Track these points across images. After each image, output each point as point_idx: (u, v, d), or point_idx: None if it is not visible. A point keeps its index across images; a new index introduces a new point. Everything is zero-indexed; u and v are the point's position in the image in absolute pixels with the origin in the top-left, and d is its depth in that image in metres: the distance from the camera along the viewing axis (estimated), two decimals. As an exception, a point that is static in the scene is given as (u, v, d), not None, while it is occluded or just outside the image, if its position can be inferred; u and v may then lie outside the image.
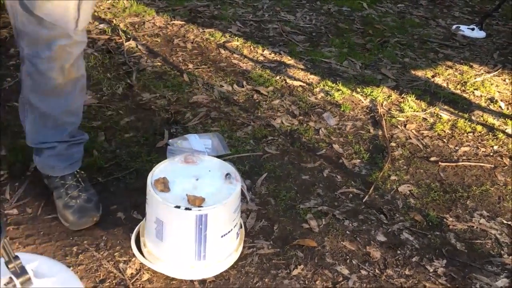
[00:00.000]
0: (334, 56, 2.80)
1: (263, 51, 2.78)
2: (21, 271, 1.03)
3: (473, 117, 2.39)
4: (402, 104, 2.43)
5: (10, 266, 1.02)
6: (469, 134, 2.27)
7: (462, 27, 3.26)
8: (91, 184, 1.68)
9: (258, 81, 2.49)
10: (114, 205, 1.69)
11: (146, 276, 1.47)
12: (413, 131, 2.25)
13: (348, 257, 1.61)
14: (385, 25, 3.24)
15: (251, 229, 1.67)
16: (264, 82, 2.49)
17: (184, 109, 2.23)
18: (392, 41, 3.03)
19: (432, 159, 2.08)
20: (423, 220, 1.77)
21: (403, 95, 2.50)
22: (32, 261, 1.08)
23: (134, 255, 1.50)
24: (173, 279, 1.47)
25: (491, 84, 2.68)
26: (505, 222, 1.80)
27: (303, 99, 2.39)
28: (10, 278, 1.03)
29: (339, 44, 2.93)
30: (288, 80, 2.53)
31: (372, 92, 2.50)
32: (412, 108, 2.41)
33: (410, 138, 2.19)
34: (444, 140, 2.22)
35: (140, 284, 1.45)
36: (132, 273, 1.48)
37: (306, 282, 1.51)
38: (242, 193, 1.52)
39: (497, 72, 2.80)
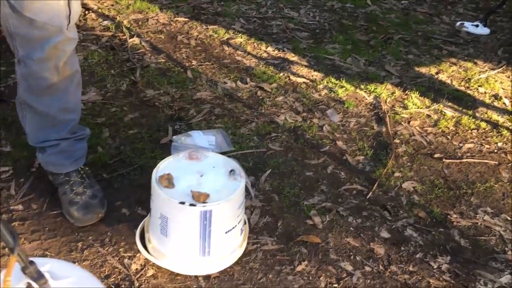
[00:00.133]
0: (338, 53, 2.80)
1: (266, 48, 2.77)
2: (38, 275, 1.06)
3: (477, 114, 2.38)
4: (406, 101, 2.43)
5: (27, 271, 1.04)
6: (473, 131, 2.27)
7: (466, 23, 3.25)
8: (95, 180, 1.69)
9: (261, 78, 2.49)
10: (119, 201, 1.70)
11: (150, 272, 1.48)
12: (417, 127, 2.25)
13: (352, 253, 1.61)
14: (389, 22, 3.23)
15: (255, 225, 1.67)
16: (268, 79, 2.49)
17: (188, 105, 2.24)
18: (396, 37, 3.03)
19: (436, 155, 2.08)
20: (427, 216, 1.77)
21: (407, 91, 2.50)
22: (44, 265, 1.09)
23: (138, 251, 1.51)
24: (177, 274, 1.47)
25: (496, 81, 2.67)
26: (509, 218, 1.80)
27: (306, 95, 2.39)
28: (28, 283, 1.05)
29: (342, 41, 2.93)
30: (291, 77, 2.53)
31: (376, 88, 2.49)
32: (416, 105, 2.41)
33: (414, 135, 2.19)
34: (448, 137, 2.21)
35: (144, 280, 1.46)
36: (136, 269, 1.49)
37: (310, 278, 1.51)
38: (246, 190, 1.52)
39: (501, 68, 2.79)
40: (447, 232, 1.72)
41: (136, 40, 2.69)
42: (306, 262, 1.56)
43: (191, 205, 1.38)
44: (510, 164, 2.08)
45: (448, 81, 2.64)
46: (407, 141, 2.15)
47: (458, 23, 3.28)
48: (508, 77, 2.72)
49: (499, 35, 3.22)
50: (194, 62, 2.56)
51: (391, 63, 2.76)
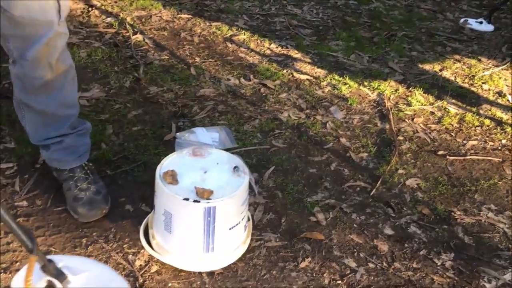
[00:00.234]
0: (341, 50, 2.79)
1: (270, 45, 2.77)
2: (57, 273, 1.09)
3: (481, 111, 2.37)
4: (409, 98, 2.42)
5: (46, 270, 1.07)
6: (477, 128, 2.26)
7: (470, 20, 3.24)
8: (99, 176, 1.69)
9: (265, 75, 2.49)
10: (123, 198, 1.70)
11: (154, 268, 1.49)
12: (420, 124, 2.24)
13: (355, 250, 1.61)
14: (392, 19, 3.22)
15: (258, 222, 1.67)
16: (271, 76, 2.48)
17: (191, 102, 2.24)
18: (400, 34, 3.02)
19: (440, 153, 2.08)
20: (431, 213, 1.77)
21: (410, 88, 2.49)
22: (59, 262, 1.11)
23: (142, 247, 1.51)
24: (181, 271, 1.48)
25: (500, 78, 2.66)
26: (513, 216, 1.80)
27: (310, 92, 2.39)
28: (49, 281, 1.08)
29: (346, 38, 2.92)
30: (295, 74, 2.53)
31: (380, 85, 2.49)
32: (419, 101, 2.40)
33: (418, 132, 2.19)
34: (452, 134, 2.21)
35: (148, 276, 1.46)
36: (141, 265, 1.49)
37: (314, 275, 1.52)
38: (250, 186, 1.52)
39: (505, 65, 2.78)
40: (451, 229, 1.72)
41: (139, 37, 2.69)
42: (309, 259, 1.56)
43: (195, 201, 1.38)
44: (514, 161, 2.07)
45: (452, 78, 2.64)
46: (410, 138, 2.15)
47: (462, 20, 3.27)
48: (512, 74, 2.72)
49: (503, 32, 3.21)
50: (197, 59, 2.56)
51: (395, 60, 2.75)
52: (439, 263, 1.59)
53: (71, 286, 1.10)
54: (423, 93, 2.47)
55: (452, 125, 2.26)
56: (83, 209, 1.58)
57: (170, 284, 1.44)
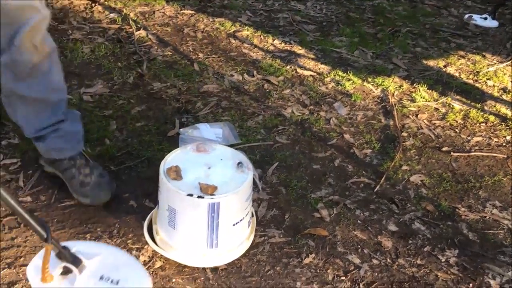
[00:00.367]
0: (345, 46, 2.79)
1: (273, 41, 2.76)
2: (73, 258, 1.13)
3: (485, 107, 2.36)
4: (413, 94, 2.41)
5: (62, 256, 1.11)
6: (481, 124, 2.25)
7: (475, 16, 3.22)
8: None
9: (268, 71, 2.48)
10: (126, 194, 1.70)
11: (158, 264, 1.49)
12: (424, 121, 2.23)
13: (359, 246, 1.61)
14: (396, 14, 3.21)
15: (262, 218, 1.67)
16: (275, 72, 2.48)
17: (194, 98, 2.23)
18: (404, 30, 3.01)
19: (444, 149, 2.07)
20: (435, 210, 1.77)
21: (414, 85, 2.48)
22: (72, 248, 1.14)
23: (146, 243, 1.51)
24: (185, 266, 1.48)
25: (504, 74, 2.65)
26: (517, 212, 1.79)
27: (313, 88, 2.39)
28: (65, 266, 1.12)
29: (350, 34, 2.91)
30: (298, 70, 2.52)
31: (383, 82, 2.48)
32: (423, 98, 2.39)
33: (422, 128, 2.18)
34: (456, 130, 2.20)
35: (152, 271, 1.46)
36: (144, 261, 1.49)
37: (318, 271, 1.51)
38: (254, 182, 1.52)
39: (510, 62, 2.76)
40: (455, 226, 1.71)
41: (142, 32, 2.68)
42: (313, 255, 1.56)
43: (199, 197, 1.38)
44: (518, 157, 2.06)
45: (456, 74, 2.63)
46: (415, 134, 2.14)
47: (466, 16, 3.25)
48: (517, 70, 2.71)
49: (508, 28, 3.19)
50: (200, 55, 2.55)
51: (399, 56, 2.74)
52: (443, 260, 1.59)
53: (86, 270, 1.12)
54: (427, 89, 2.46)
55: (457, 122, 2.25)
56: (93, 192, 1.60)
57: (174, 280, 1.44)
